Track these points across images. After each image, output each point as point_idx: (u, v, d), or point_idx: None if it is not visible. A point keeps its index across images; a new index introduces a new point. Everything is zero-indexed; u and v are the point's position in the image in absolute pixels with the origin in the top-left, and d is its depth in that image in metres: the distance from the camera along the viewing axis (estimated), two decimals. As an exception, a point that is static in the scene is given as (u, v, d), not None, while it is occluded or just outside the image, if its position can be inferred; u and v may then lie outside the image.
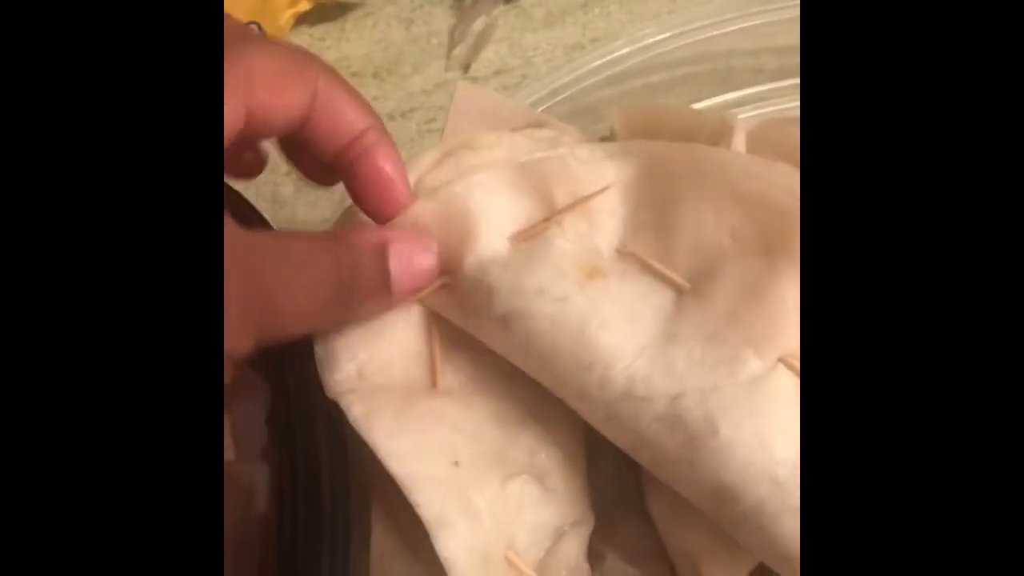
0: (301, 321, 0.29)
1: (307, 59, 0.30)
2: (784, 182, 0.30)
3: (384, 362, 0.32)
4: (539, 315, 0.31)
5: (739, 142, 0.34)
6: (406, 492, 0.28)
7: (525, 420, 0.33)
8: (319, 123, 0.30)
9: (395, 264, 0.30)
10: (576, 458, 0.33)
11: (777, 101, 0.42)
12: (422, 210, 0.32)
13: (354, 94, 0.31)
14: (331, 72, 0.31)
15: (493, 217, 0.33)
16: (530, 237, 0.33)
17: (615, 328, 0.30)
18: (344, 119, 0.30)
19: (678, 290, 0.31)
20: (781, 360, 0.28)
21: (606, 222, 0.33)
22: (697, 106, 0.43)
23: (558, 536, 0.32)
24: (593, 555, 0.33)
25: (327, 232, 0.34)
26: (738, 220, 0.31)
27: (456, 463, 0.30)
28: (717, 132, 0.35)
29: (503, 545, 0.30)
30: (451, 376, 0.33)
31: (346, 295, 0.29)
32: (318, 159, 0.32)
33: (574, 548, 0.32)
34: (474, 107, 0.41)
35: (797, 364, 0.28)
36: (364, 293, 0.30)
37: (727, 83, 0.43)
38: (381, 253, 0.30)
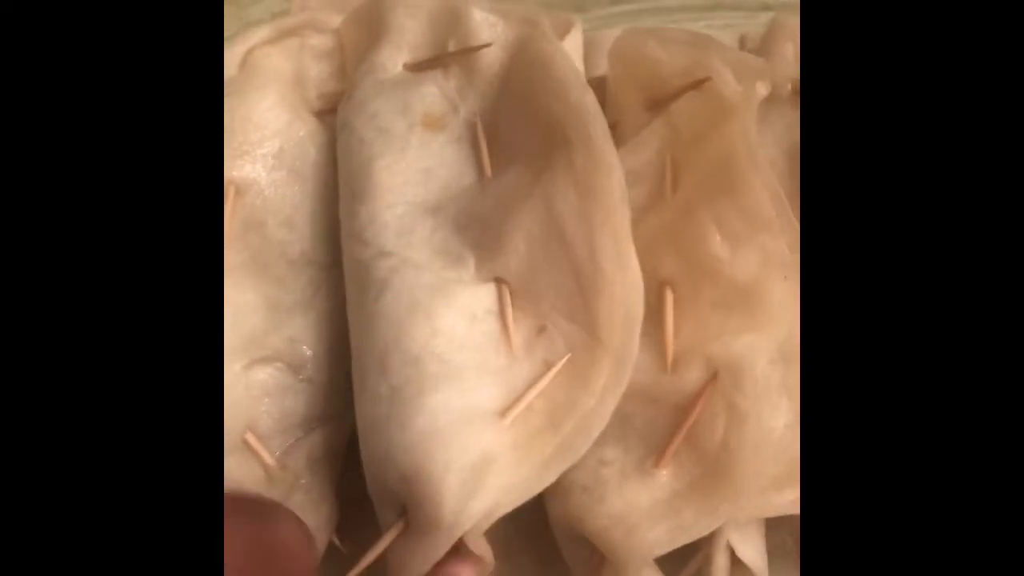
0: None
1: None
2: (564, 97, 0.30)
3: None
4: (357, 132, 0.32)
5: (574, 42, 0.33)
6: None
7: (294, 309, 0.32)
8: None
9: None
10: (339, 354, 0.31)
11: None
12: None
13: None
14: None
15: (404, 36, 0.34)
16: (418, 69, 0.33)
17: (400, 176, 0.30)
18: None
19: (481, 175, 0.31)
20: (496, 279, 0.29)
21: (479, 89, 0.32)
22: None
23: (309, 428, 0.31)
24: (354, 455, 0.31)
25: None
26: (534, 123, 0.30)
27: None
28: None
29: (241, 428, 0.29)
30: (235, 255, 0.32)
31: None
32: None
33: (320, 441, 0.31)
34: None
35: (506, 288, 0.29)
36: None
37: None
38: None
